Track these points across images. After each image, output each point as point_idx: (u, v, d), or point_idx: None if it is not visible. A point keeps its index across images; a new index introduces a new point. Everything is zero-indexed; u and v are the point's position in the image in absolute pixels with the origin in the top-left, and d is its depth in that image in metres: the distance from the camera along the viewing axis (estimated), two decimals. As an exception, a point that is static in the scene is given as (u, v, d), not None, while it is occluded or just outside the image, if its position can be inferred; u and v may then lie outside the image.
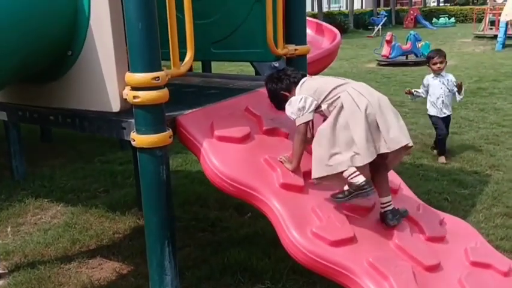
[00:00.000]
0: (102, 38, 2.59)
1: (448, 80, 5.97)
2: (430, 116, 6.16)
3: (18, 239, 4.31)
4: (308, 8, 44.26)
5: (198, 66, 6.39)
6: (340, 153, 2.55)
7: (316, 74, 10.69)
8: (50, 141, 7.16)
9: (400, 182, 3.23)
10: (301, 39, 3.65)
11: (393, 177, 3.22)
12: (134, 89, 2.48)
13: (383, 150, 2.56)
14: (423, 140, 6.77)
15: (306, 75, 2.95)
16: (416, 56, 15.09)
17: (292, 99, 2.75)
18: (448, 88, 5.95)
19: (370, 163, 2.59)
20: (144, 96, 2.46)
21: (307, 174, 2.80)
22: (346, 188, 2.65)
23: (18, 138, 5.60)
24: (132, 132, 2.57)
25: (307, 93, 2.71)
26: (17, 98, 3.05)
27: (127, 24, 2.42)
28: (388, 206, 2.72)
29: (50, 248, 4.08)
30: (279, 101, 2.88)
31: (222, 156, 2.67)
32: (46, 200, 5.12)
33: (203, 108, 2.95)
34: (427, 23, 29.95)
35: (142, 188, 2.65)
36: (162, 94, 2.50)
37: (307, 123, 2.70)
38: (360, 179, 2.55)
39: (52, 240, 4.20)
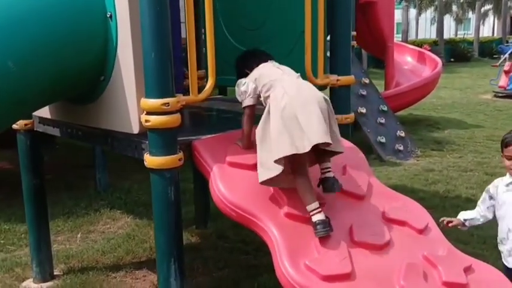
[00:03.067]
0: (126, 66, 2.81)
1: None
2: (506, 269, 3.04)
3: (83, 245, 4.70)
4: (433, 35, 42.80)
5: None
6: (268, 155, 2.59)
7: (415, 102, 10.40)
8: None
9: (428, 222, 3.06)
10: (345, 70, 3.63)
11: (422, 215, 3.07)
12: (148, 113, 2.66)
13: (306, 148, 2.49)
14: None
15: (271, 60, 3.02)
16: (538, 88, 13.98)
17: (238, 81, 2.90)
18: None
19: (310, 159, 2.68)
20: (154, 120, 2.63)
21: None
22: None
23: (102, 153, 6.11)
24: (145, 154, 2.74)
25: (251, 78, 2.84)
26: (66, 117, 3.38)
27: (143, 53, 2.62)
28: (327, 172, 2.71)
29: (106, 256, 4.40)
30: (239, 74, 3.02)
31: (229, 181, 2.74)
32: (119, 211, 5.54)
33: (224, 134, 3.06)
34: None
35: (153, 207, 2.80)
36: (171, 119, 2.65)
37: (251, 106, 2.83)
38: (316, 217, 2.57)
39: (110, 249, 4.53)
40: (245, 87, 2.83)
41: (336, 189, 2.70)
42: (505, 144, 2.96)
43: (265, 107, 2.76)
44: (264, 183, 2.65)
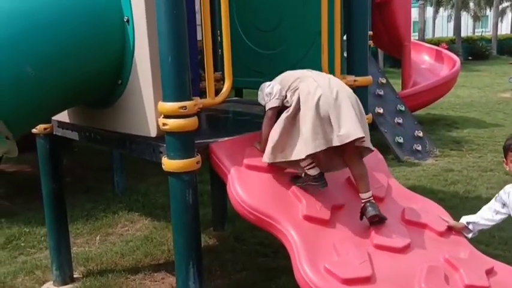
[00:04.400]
0: (143, 69, 2.82)
1: None
2: None
3: (102, 247, 4.72)
4: (450, 33, 42.33)
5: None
6: (292, 143, 2.66)
7: (433, 102, 10.28)
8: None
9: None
10: (362, 70, 3.60)
11: (441, 215, 3.03)
12: (165, 116, 2.66)
13: (335, 143, 2.57)
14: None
15: None
16: (558, 85, 13.74)
17: (262, 85, 2.94)
18: None
19: (336, 155, 2.75)
20: (171, 123, 2.62)
21: (335, 208, 2.79)
22: (303, 175, 2.75)
23: (120, 156, 6.14)
24: (163, 157, 2.75)
25: (275, 81, 2.90)
26: (84, 121, 3.41)
27: (160, 57, 2.62)
28: (369, 199, 2.72)
29: (125, 259, 4.41)
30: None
31: (247, 184, 2.74)
32: (137, 213, 5.56)
33: (241, 136, 3.05)
34: None
35: (171, 210, 2.80)
36: (189, 122, 2.64)
37: (274, 108, 2.83)
38: (313, 172, 2.66)
39: (129, 252, 4.54)
40: (270, 89, 2.85)
41: (378, 212, 2.72)
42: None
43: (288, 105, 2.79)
44: (269, 163, 2.78)
